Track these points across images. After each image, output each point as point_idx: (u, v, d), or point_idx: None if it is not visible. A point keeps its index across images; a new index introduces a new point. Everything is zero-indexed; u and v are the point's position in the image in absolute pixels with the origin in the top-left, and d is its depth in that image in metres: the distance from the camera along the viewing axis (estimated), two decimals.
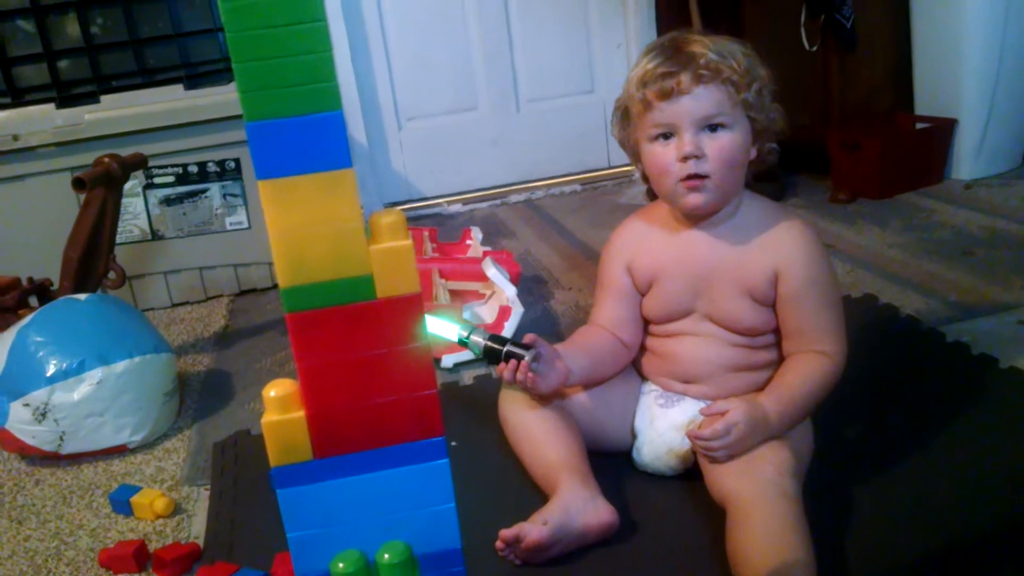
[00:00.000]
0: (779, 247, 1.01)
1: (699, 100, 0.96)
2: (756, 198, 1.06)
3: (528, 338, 1.04)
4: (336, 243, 0.53)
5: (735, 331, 1.03)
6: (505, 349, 1.02)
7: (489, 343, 1.04)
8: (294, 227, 0.52)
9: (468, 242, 1.93)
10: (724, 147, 0.97)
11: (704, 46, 0.97)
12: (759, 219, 1.04)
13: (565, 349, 1.07)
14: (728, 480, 0.93)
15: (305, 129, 0.51)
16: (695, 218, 1.04)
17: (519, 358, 1.01)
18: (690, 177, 0.98)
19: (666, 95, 0.97)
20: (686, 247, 1.05)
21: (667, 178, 1.00)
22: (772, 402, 0.97)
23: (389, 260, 0.54)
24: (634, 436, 1.09)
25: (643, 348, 1.13)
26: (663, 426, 1.06)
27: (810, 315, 1.00)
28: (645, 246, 1.09)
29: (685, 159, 0.97)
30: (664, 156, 0.99)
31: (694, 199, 1.00)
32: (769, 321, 1.03)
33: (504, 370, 1.03)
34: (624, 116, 1.04)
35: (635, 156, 1.06)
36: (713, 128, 0.97)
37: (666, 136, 0.99)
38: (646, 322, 1.11)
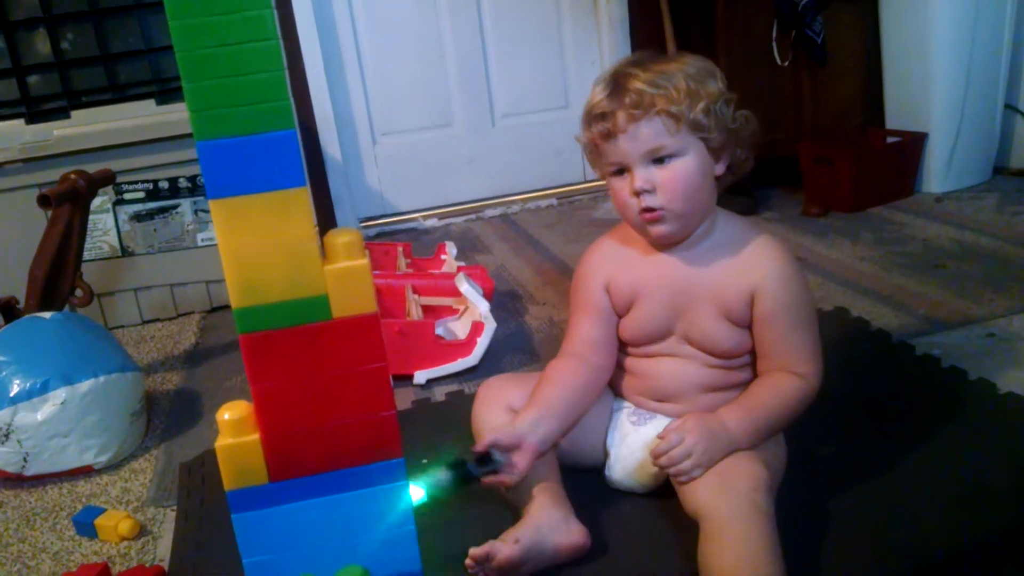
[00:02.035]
0: (755, 268, 1.00)
1: (636, 138, 0.96)
2: (732, 217, 1.06)
3: (481, 446, 0.97)
4: (290, 263, 0.52)
5: (713, 354, 1.03)
6: (478, 471, 0.96)
7: (450, 475, 0.94)
8: (247, 247, 0.51)
9: (443, 257, 1.93)
10: (675, 177, 0.96)
11: (639, 79, 0.95)
12: (735, 239, 1.03)
13: (535, 414, 1.01)
14: (701, 494, 0.93)
15: (257, 148, 0.50)
16: (667, 244, 1.04)
17: (495, 471, 0.96)
18: (646, 211, 0.98)
19: (606, 136, 0.97)
20: (664, 269, 1.04)
21: (628, 211, 1.00)
22: (731, 412, 0.97)
23: (345, 280, 0.53)
24: (606, 454, 1.09)
25: (618, 366, 1.12)
26: (635, 443, 1.05)
27: (785, 336, 1.00)
28: (622, 266, 1.07)
29: (637, 194, 0.97)
30: (622, 191, 0.99)
31: (656, 231, 1.00)
32: (745, 343, 1.02)
33: (487, 483, 0.97)
34: (587, 149, 1.04)
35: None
36: (661, 160, 0.96)
37: (621, 171, 0.99)
38: (621, 342, 1.10)
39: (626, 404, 1.10)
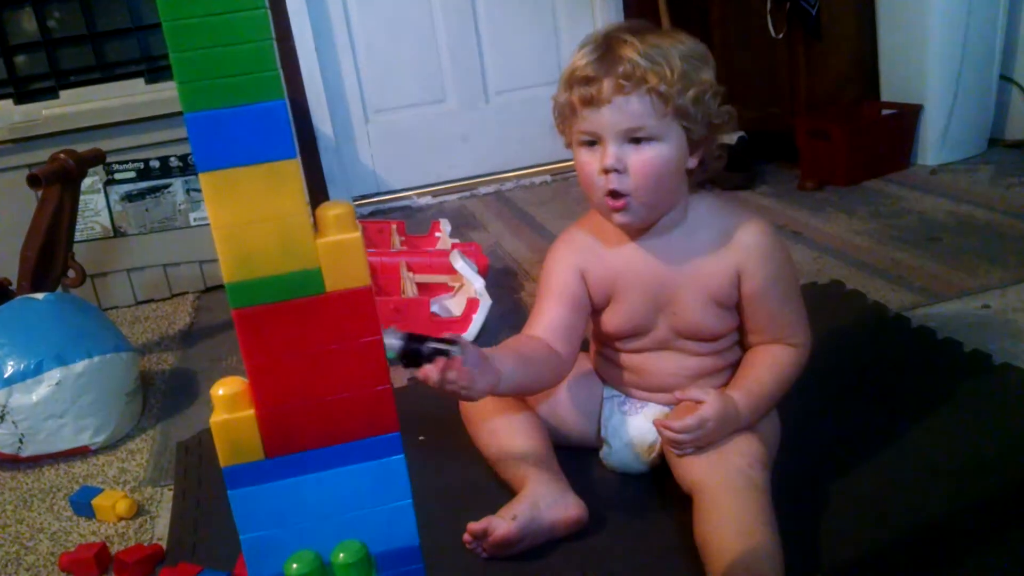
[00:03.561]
0: (737, 247, 0.97)
1: (620, 111, 0.89)
2: (703, 196, 1.01)
3: (447, 336, 0.89)
4: (282, 236, 0.51)
5: (701, 339, 1.01)
6: (428, 347, 0.86)
7: (407, 343, 0.86)
8: (238, 220, 0.50)
9: (437, 235, 1.92)
10: (648, 162, 0.90)
11: (634, 49, 0.88)
12: (710, 219, 0.99)
13: (493, 352, 0.94)
14: (697, 469, 0.93)
15: (247, 119, 0.49)
16: (636, 230, 0.99)
17: (447, 355, 0.86)
18: (612, 194, 0.92)
19: (587, 102, 0.90)
20: (639, 260, 1.00)
21: (593, 190, 0.94)
22: (743, 396, 0.96)
23: (337, 253, 0.53)
24: (601, 441, 1.08)
25: (603, 358, 1.09)
26: (628, 434, 1.05)
27: (775, 310, 0.99)
28: (597, 258, 1.02)
29: (606, 172, 0.91)
30: (589, 165, 0.93)
31: (620, 218, 0.95)
32: (733, 322, 1.01)
33: (430, 372, 0.86)
34: (560, 112, 0.96)
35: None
36: (638, 140, 0.90)
37: (592, 143, 0.93)
38: (606, 337, 1.06)
39: (615, 392, 1.09)
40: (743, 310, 1.00)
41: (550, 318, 1.02)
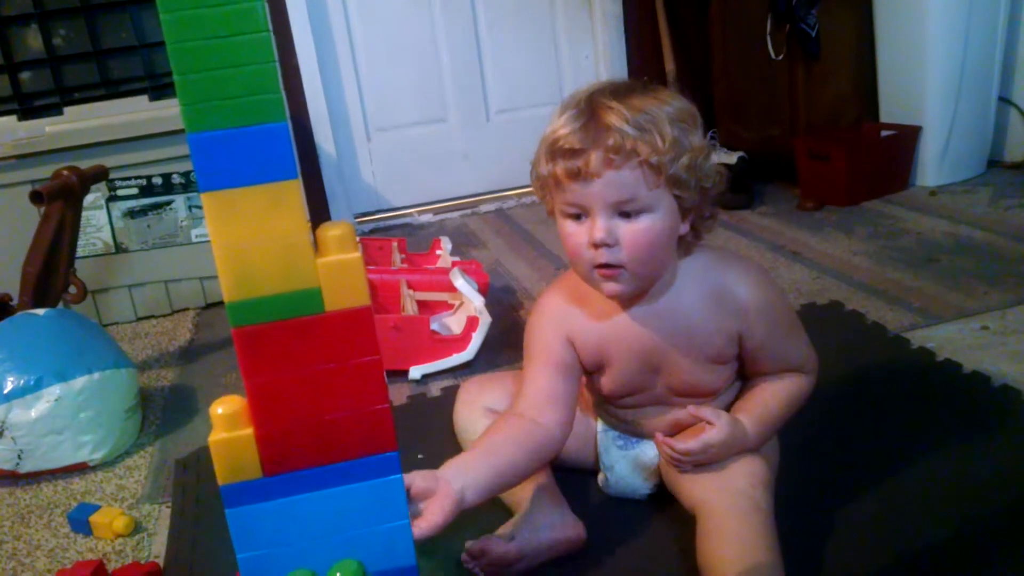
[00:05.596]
0: (732, 306, 0.93)
1: (610, 186, 0.83)
2: (691, 258, 0.95)
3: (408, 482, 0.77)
4: (282, 256, 0.52)
5: (699, 396, 0.98)
6: None
7: None
8: (239, 239, 0.51)
9: (438, 252, 1.92)
10: (641, 234, 0.85)
11: (621, 117, 0.82)
12: (701, 277, 0.94)
13: (467, 459, 0.87)
14: (700, 490, 0.92)
15: (249, 140, 0.50)
16: (625, 299, 0.94)
17: None
18: (603, 266, 0.87)
19: (574, 176, 0.84)
20: (628, 329, 0.95)
21: (580, 262, 0.89)
22: (753, 422, 0.94)
23: (337, 273, 0.53)
24: (600, 471, 1.07)
25: (597, 406, 1.07)
26: (625, 468, 1.04)
27: (781, 352, 0.97)
28: (581, 327, 0.97)
29: (596, 246, 0.86)
30: (577, 237, 0.87)
31: (610, 288, 0.89)
32: (731, 374, 0.99)
33: None
34: (543, 184, 0.90)
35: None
36: (628, 213, 0.85)
37: (578, 216, 0.87)
38: (599, 396, 1.03)
39: (609, 428, 1.07)
40: (746, 359, 0.97)
41: (541, 385, 0.96)
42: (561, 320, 0.98)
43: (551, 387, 0.96)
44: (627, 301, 0.94)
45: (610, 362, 0.97)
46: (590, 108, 0.85)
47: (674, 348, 0.94)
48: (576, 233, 0.88)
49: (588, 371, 1.00)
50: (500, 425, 0.95)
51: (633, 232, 0.85)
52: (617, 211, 0.85)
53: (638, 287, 0.91)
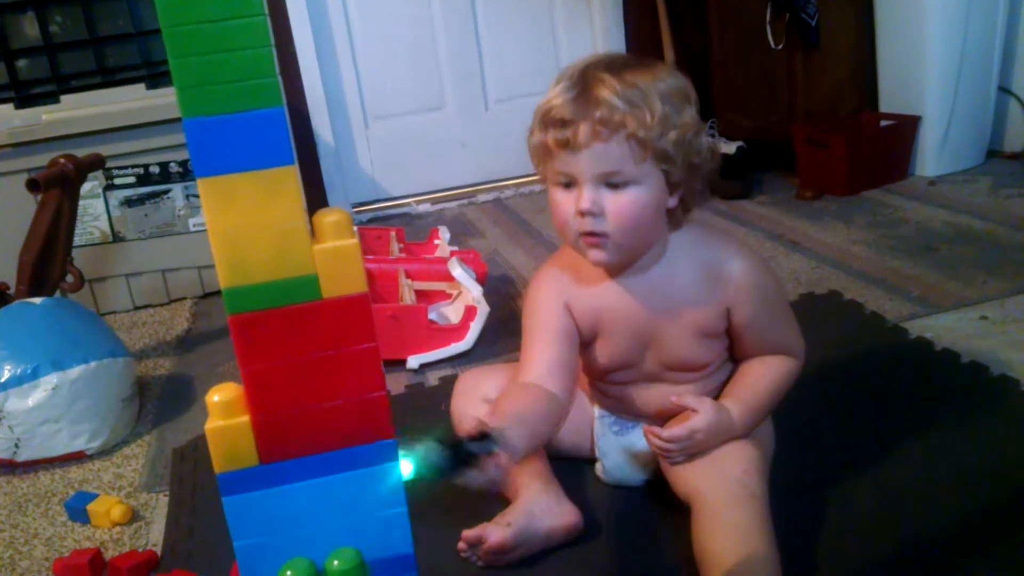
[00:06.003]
0: (723, 280, 0.94)
1: (597, 157, 0.85)
2: (684, 229, 0.96)
3: (472, 425, 0.78)
4: (279, 242, 0.51)
5: (689, 370, 0.99)
6: (467, 451, 0.74)
7: (447, 453, 0.72)
8: (235, 226, 0.51)
9: (436, 242, 1.92)
10: (625, 206, 0.87)
11: (612, 90, 0.84)
12: (691, 252, 0.96)
13: (504, 422, 0.84)
14: (694, 478, 0.93)
15: (245, 126, 0.49)
16: (613, 268, 0.96)
17: (488, 451, 0.75)
18: (588, 234, 0.89)
19: (563, 146, 0.87)
20: (620, 299, 0.97)
21: (568, 229, 0.91)
22: (738, 406, 0.95)
23: (334, 259, 0.53)
24: (596, 459, 1.08)
25: (592, 387, 1.08)
26: (621, 456, 1.05)
27: (767, 331, 0.98)
28: (577, 295, 0.99)
29: (582, 215, 0.88)
30: (565, 205, 0.90)
31: (595, 256, 0.91)
32: (721, 348, 0.99)
33: (477, 475, 0.74)
34: (536, 152, 0.93)
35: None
36: (615, 184, 0.87)
37: (568, 185, 0.89)
38: (593, 371, 1.04)
39: (605, 412, 1.07)
40: (734, 336, 0.98)
41: (542, 359, 0.97)
42: (559, 288, 1.00)
43: (554, 355, 0.97)
44: (617, 270, 0.96)
45: (604, 331, 0.99)
46: (583, 80, 0.87)
47: (665, 321, 0.96)
48: (564, 201, 0.90)
49: (584, 341, 1.01)
50: (512, 391, 0.96)
51: (618, 203, 0.87)
52: (604, 182, 0.87)
53: (623, 257, 0.93)
